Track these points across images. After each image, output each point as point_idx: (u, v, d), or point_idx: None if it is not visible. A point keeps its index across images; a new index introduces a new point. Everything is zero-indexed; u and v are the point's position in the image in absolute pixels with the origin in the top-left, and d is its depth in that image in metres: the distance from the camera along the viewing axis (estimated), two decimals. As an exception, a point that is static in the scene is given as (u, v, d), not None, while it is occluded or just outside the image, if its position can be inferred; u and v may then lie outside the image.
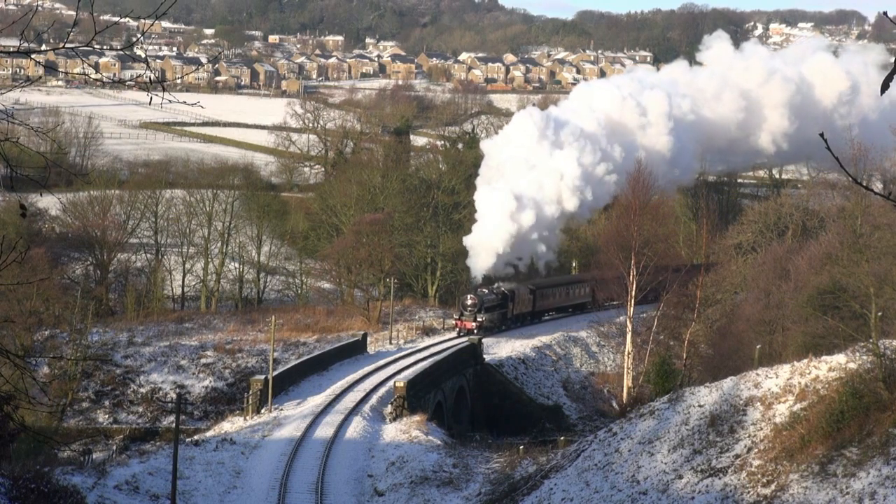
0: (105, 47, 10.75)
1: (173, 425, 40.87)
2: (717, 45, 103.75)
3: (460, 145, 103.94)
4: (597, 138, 76.48)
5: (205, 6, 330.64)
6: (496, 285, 70.25)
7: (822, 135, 8.38)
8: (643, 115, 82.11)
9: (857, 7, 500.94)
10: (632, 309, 54.35)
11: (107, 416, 59.45)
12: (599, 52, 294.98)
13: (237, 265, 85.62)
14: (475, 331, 66.08)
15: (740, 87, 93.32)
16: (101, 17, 10.41)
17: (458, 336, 66.36)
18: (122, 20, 10.44)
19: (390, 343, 66.91)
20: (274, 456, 41.59)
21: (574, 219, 78.41)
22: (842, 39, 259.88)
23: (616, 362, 64.46)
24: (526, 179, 70.30)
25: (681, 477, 33.13)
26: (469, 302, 67.33)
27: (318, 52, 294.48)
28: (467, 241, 69.08)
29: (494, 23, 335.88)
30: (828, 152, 8.57)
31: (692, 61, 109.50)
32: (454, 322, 68.63)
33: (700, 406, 36.15)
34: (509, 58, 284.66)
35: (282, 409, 48.33)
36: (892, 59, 8.96)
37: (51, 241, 75.29)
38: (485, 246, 67.29)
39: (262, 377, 50.03)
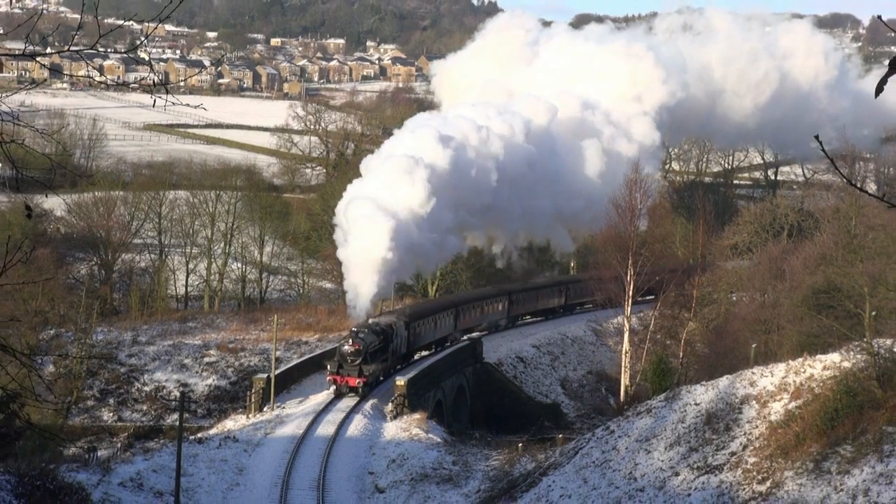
0: (109, 50, 11.10)
1: (177, 423, 41.15)
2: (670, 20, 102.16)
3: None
4: None
5: (208, 10, 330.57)
6: (370, 320, 52.37)
7: (817, 137, 8.38)
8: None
9: (851, 10, 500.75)
10: (629, 309, 54.69)
11: (111, 414, 59.80)
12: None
13: (240, 265, 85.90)
14: (360, 388, 48.68)
15: (703, 64, 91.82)
16: (106, 21, 10.84)
17: (337, 395, 49.02)
18: (126, 23, 10.79)
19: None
20: (276, 453, 41.89)
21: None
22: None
23: (614, 361, 64.78)
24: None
25: (677, 474, 33.44)
26: (350, 349, 49.10)
27: (319, 54, 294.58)
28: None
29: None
30: (815, 146, 8.74)
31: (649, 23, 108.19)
32: (328, 377, 49.68)
33: (696, 404, 36.48)
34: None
35: (284, 408, 48.59)
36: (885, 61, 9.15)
37: (56, 241, 75.76)
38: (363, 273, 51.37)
39: (265, 376, 50.30)
